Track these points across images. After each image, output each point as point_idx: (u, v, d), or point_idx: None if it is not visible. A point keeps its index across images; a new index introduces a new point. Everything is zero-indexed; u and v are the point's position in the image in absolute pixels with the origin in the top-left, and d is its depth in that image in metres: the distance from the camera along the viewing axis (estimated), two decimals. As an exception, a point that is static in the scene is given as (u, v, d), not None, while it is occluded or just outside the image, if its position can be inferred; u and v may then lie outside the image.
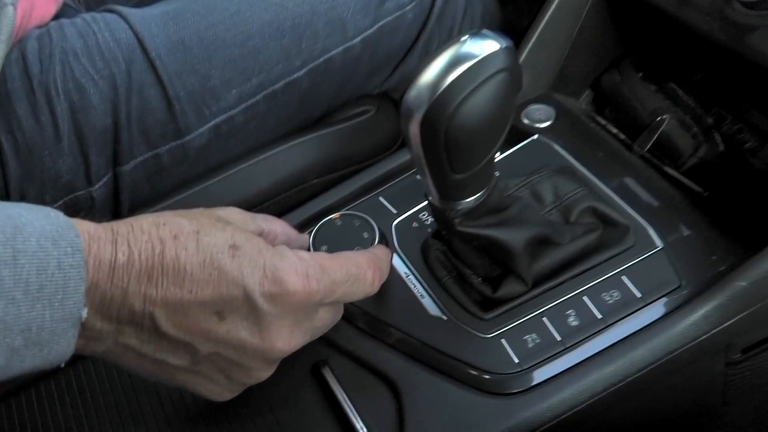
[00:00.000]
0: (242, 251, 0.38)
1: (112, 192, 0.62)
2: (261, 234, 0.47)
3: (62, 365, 0.35)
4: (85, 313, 0.33)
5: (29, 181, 0.57)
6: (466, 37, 0.39)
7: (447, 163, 0.41)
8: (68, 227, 0.33)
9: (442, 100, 0.38)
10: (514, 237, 0.48)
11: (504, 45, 0.38)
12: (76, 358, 0.48)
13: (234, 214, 0.45)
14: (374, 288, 0.46)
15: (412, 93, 0.40)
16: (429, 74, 0.38)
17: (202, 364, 0.39)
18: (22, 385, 0.56)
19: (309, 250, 0.53)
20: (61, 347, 0.33)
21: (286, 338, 0.40)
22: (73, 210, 0.60)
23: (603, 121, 0.73)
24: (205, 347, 0.38)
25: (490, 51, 0.38)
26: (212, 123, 0.63)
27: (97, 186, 0.61)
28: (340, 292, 0.43)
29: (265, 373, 0.42)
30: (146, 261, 0.35)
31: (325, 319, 0.45)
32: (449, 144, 0.39)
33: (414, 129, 0.40)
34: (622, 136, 0.70)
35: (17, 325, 0.31)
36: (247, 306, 0.38)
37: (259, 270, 0.38)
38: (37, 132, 0.57)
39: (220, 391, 0.43)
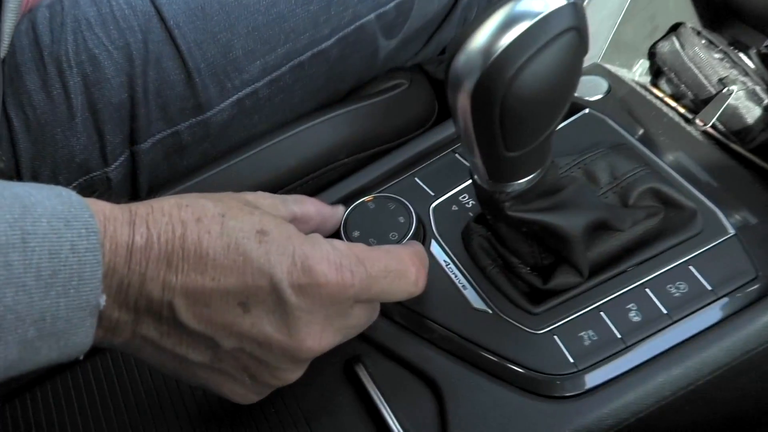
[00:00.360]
0: (270, 237, 0.35)
1: (130, 172, 0.59)
2: (294, 219, 0.43)
3: (80, 357, 0.33)
4: (103, 300, 0.31)
5: (41, 161, 0.54)
6: (528, -10, 0.33)
7: (501, 140, 0.36)
8: (82, 207, 0.31)
9: (498, 66, 0.32)
10: (570, 222, 0.43)
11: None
12: (94, 351, 0.46)
13: (263, 198, 0.41)
14: (418, 288, 0.41)
15: (461, 58, 0.34)
16: (482, 36, 0.33)
17: (224, 361, 0.36)
18: (36, 380, 0.53)
19: (341, 231, 0.49)
20: (79, 338, 0.31)
21: (316, 336, 0.37)
22: (88, 192, 0.55)
23: (660, 94, 0.66)
24: (227, 342, 0.35)
25: (555, 6, 0.32)
26: (235, 97, 0.59)
27: (113, 166, 0.57)
28: (378, 289, 0.39)
29: (293, 374, 0.39)
30: (166, 244, 0.33)
31: (360, 318, 0.41)
32: (505, 117, 0.34)
33: (463, 100, 0.35)
34: (682, 110, 0.64)
35: (30, 315, 0.28)
36: (274, 297, 0.35)
37: (287, 258, 0.35)
38: (49, 108, 0.53)
39: (244, 393, 0.39)
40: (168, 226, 0.33)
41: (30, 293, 0.28)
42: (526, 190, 0.42)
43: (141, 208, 0.34)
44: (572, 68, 0.34)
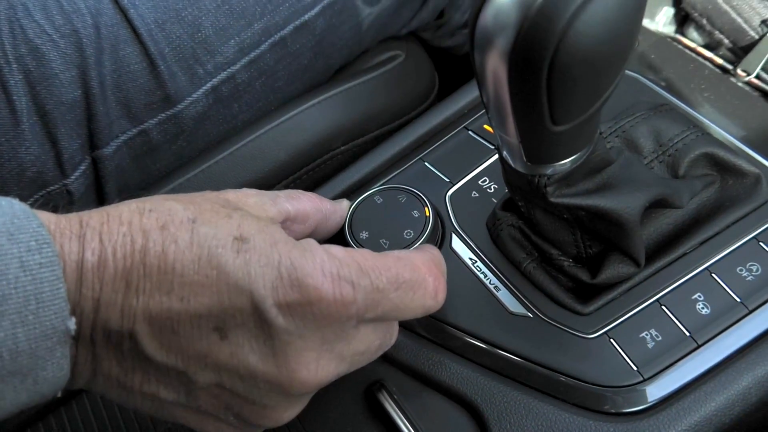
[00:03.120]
0: (251, 245, 0.30)
1: (93, 182, 0.52)
2: (287, 219, 0.37)
3: (58, 395, 0.29)
4: (73, 324, 0.27)
5: (-15, 178, 0.46)
6: None
7: (547, 111, 0.28)
8: (28, 216, 0.27)
9: (545, 16, 0.25)
10: (626, 204, 0.37)
11: None
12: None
13: (248, 196, 0.35)
14: (437, 301, 0.35)
15: (490, 11, 0.27)
16: (517, -24, 0.25)
17: (201, 399, 0.31)
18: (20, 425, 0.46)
19: (346, 234, 0.43)
20: (50, 372, 0.27)
21: (311, 365, 0.31)
22: (47, 210, 0.48)
23: (690, 44, 0.59)
24: (202, 376, 0.30)
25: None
26: (209, 85, 0.53)
27: (73, 177, 0.50)
28: (388, 305, 0.32)
29: (286, 413, 0.33)
30: (123, 260, 0.28)
31: (370, 342, 0.34)
32: (555, 81, 0.27)
33: (495, 65, 0.28)
34: (719, 60, 0.57)
35: None
36: (256, 319, 0.29)
37: (272, 270, 0.29)
38: (-12, 114, 0.45)
39: None
40: (126, 238, 0.28)
41: None
42: (571, 171, 0.34)
43: (94, 216, 0.29)
44: (638, 8, 0.26)
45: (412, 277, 0.33)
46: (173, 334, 0.29)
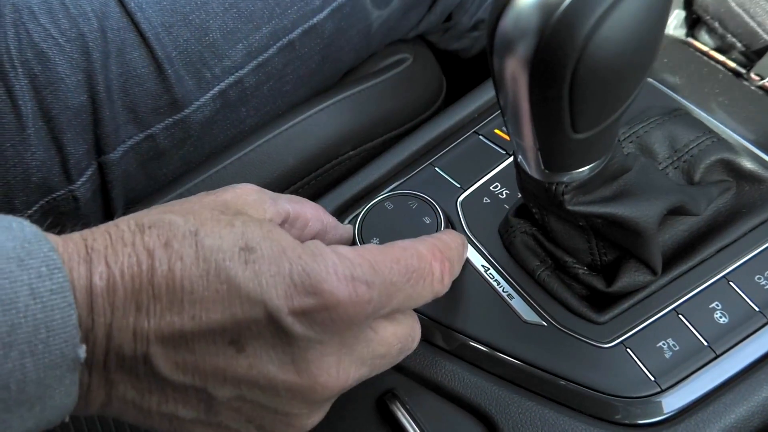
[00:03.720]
0: (258, 254, 0.29)
1: (100, 188, 0.51)
2: (286, 220, 0.36)
3: (66, 419, 0.28)
4: (83, 352, 0.26)
5: (-10, 184, 0.45)
6: None
7: (568, 118, 0.28)
8: (39, 239, 0.26)
9: (567, 22, 0.24)
10: (645, 212, 0.36)
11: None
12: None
13: (247, 194, 0.34)
14: (444, 285, 0.34)
15: (511, 15, 0.26)
16: (540, -18, 0.24)
17: (222, 414, 0.30)
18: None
19: (356, 240, 0.42)
20: (58, 400, 0.26)
21: (332, 370, 0.30)
22: (53, 216, 0.48)
23: (702, 47, 0.58)
24: (222, 392, 0.29)
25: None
26: (216, 89, 0.52)
27: (79, 182, 0.49)
28: (401, 296, 0.32)
29: (309, 420, 0.32)
30: (131, 282, 0.27)
31: (390, 345, 0.33)
32: (578, 89, 0.26)
33: (516, 71, 0.27)
34: (732, 64, 0.56)
35: None
36: (272, 329, 0.29)
37: (283, 278, 0.29)
38: (-7, 119, 0.44)
39: None
40: (131, 259, 0.27)
41: None
42: (588, 178, 0.34)
43: (98, 239, 0.28)
44: (664, 12, 0.26)
45: (420, 265, 0.33)
46: (189, 352, 0.28)
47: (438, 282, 0.34)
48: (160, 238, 0.28)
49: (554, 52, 0.25)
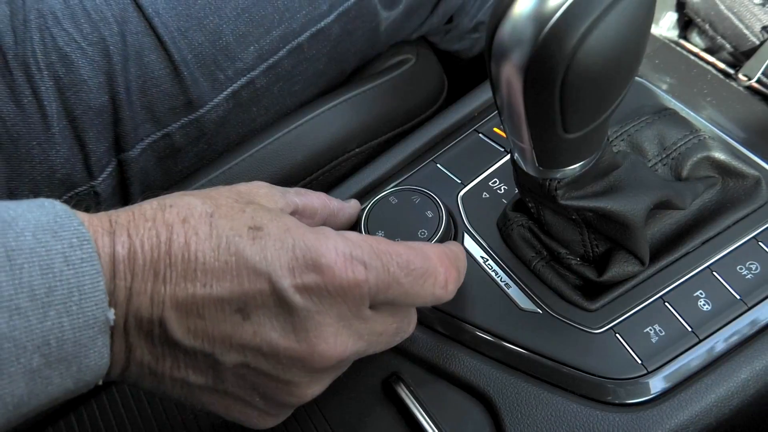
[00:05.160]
0: (265, 232, 0.31)
1: (119, 183, 0.53)
2: (295, 211, 0.39)
3: (99, 383, 0.30)
4: (112, 314, 0.29)
5: (18, 179, 0.48)
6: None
7: (559, 120, 0.30)
8: (69, 216, 0.28)
9: (557, 34, 0.27)
10: (632, 206, 0.38)
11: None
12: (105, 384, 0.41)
13: (259, 188, 0.37)
14: (448, 292, 0.36)
15: (507, 26, 0.28)
16: (533, -4, 0.27)
17: (228, 381, 0.32)
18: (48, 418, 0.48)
19: (362, 233, 0.44)
20: (93, 360, 0.28)
21: (330, 339, 0.32)
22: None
23: (693, 48, 0.60)
24: (228, 357, 0.31)
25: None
26: (229, 90, 0.54)
27: (100, 178, 0.51)
28: (399, 290, 0.34)
29: (309, 389, 0.34)
30: (150, 252, 0.30)
31: (387, 325, 0.35)
32: (567, 94, 0.28)
33: (511, 77, 0.29)
34: (721, 65, 0.58)
35: (31, 341, 0.26)
36: (275, 299, 0.31)
37: (286, 252, 0.31)
38: (20, 119, 0.47)
39: (258, 416, 0.34)
40: (151, 232, 0.30)
41: (26, 316, 0.26)
42: (580, 174, 0.36)
43: (122, 215, 0.30)
44: (647, 25, 0.28)
45: (423, 265, 0.34)
46: (199, 318, 0.30)
47: (441, 287, 0.35)
48: (179, 215, 0.30)
49: (546, 60, 0.28)
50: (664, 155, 0.47)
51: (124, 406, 0.47)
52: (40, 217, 0.27)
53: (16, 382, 0.26)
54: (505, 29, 0.28)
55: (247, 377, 0.32)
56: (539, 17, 0.27)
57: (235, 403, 0.34)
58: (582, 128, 0.31)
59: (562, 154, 0.34)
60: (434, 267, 0.35)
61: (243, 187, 0.36)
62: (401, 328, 0.37)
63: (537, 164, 0.35)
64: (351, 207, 0.45)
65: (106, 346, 0.29)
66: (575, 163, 0.35)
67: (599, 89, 0.29)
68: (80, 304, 0.27)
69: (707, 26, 0.60)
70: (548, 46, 0.27)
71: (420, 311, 0.44)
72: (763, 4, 0.57)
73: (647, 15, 0.28)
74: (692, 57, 0.58)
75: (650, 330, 0.40)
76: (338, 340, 0.32)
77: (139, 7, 0.49)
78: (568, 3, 0.26)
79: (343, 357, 0.33)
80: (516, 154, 0.37)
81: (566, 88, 0.28)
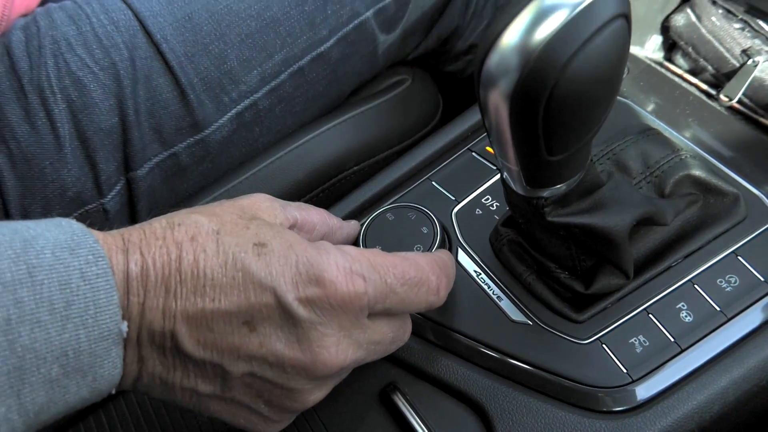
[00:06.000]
0: (269, 248, 0.33)
1: (127, 201, 0.55)
2: (294, 225, 0.40)
3: (113, 392, 0.32)
4: (125, 327, 0.30)
5: (31, 198, 0.50)
6: (562, -24, 0.29)
7: (543, 144, 0.32)
8: (85, 234, 0.30)
9: (541, 64, 0.29)
10: (615, 222, 0.40)
11: (616, -18, 0.29)
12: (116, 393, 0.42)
13: (261, 201, 0.38)
14: (440, 298, 0.39)
15: (494, 57, 0.30)
16: (518, 29, 0.29)
17: (235, 389, 0.34)
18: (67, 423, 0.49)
19: (359, 244, 0.46)
20: (107, 370, 0.30)
21: (332, 349, 0.34)
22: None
23: (677, 70, 0.63)
24: (236, 367, 0.33)
25: (600, -8, 0.28)
26: (233, 111, 0.56)
27: (109, 196, 0.53)
28: (396, 298, 0.36)
29: (312, 396, 0.36)
30: (162, 269, 0.31)
31: (384, 333, 0.37)
32: (550, 120, 0.31)
33: (499, 103, 0.32)
34: (704, 86, 0.60)
35: (50, 352, 0.27)
36: (280, 312, 0.32)
37: (290, 268, 0.33)
38: (34, 139, 0.49)
39: (263, 422, 0.36)
40: (162, 250, 0.31)
41: (46, 329, 0.27)
42: (566, 193, 0.38)
43: (134, 233, 0.32)
44: (622, 58, 0.30)
45: (417, 275, 0.36)
46: (208, 330, 0.32)
47: (433, 293, 0.38)
48: (188, 233, 0.32)
49: (530, 88, 0.30)
50: (647, 173, 0.49)
51: (131, 414, 0.48)
52: (58, 235, 0.29)
53: (36, 390, 0.27)
54: (493, 59, 0.31)
55: (253, 385, 0.34)
56: (524, 50, 0.29)
57: (240, 410, 0.35)
58: (565, 151, 0.33)
59: (548, 175, 0.36)
60: (427, 276, 0.37)
61: (245, 202, 0.37)
62: (397, 335, 0.39)
63: (524, 184, 0.37)
64: (350, 227, 0.46)
65: (120, 357, 0.30)
66: (561, 183, 0.37)
67: (579, 116, 0.31)
68: (96, 317, 0.29)
69: (690, 49, 0.63)
70: (532, 76, 0.29)
71: (416, 323, 0.46)
72: (742, 29, 0.60)
73: (622, 49, 0.30)
74: (676, 78, 0.60)
75: (635, 341, 0.42)
76: (339, 350, 0.34)
77: (148, 34, 0.51)
78: (550, 38, 0.29)
79: (344, 365, 0.34)
80: (505, 174, 0.39)
81: (549, 114, 0.30)
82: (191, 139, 0.54)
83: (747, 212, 0.46)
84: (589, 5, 0.28)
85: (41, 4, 0.57)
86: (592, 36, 0.28)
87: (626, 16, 0.29)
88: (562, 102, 0.30)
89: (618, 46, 0.29)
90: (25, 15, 0.54)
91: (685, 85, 0.60)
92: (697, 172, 0.47)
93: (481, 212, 0.51)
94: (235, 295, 0.32)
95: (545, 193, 0.38)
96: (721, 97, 0.58)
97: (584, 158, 0.37)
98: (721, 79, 0.60)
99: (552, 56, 0.29)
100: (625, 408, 0.40)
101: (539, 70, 0.29)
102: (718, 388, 0.40)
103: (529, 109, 0.30)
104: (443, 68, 0.75)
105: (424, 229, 0.47)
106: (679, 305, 0.43)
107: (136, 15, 0.51)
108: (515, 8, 0.30)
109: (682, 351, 0.41)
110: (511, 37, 0.30)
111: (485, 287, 0.47)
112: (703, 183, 0.47)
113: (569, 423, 0.40)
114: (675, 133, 0.52)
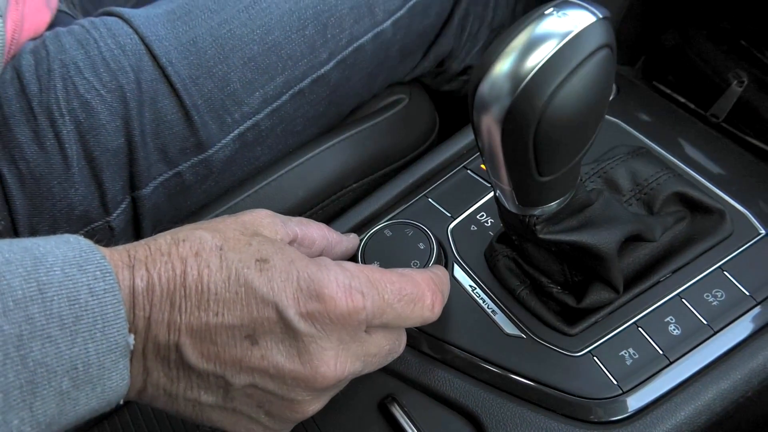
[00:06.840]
0: (271, 264, 0.34)
1: (132, 219, 0.56)
2: (295, 240, 0.41)
3: (121, 402, 0.33)
4: (132, 340, 0.31)
5: (39, 216, 0.51)
6: (550, 8, 0.31)
7: (534, 165, 0.34)
8: (92, 250, 0.31)
9: (529, 92, 0.31)
10: (604, 239, 0.42)
11: (601, 15, 0.31)
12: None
13: (262, 217, 0.39)
14: (434, 313, 0.40)
15: (487, 84, 0.32)
16: (509, 58, 0.31)
17: (237, 400, 0.35)
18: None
19: (358, 259, 0.47)
20: (115, 382, 0.31)
21: (331, 362, 0.35)
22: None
23: (667, 90, 0.65)
24: (238, 379, 0.34)
25: (586, 24, 0.30)
26: (236, 132, 0.57)
27: (115, 214, 0.54)
28: (393, 314, 0.37)
29: (311, 407, 0.37)
30: (167, 284, 0.32)
31: (380, 346, 0.39)
32: (540, 143, 0.32)
33: (491, 127, 0.33)
34: (692, 106, 0.62)
35: (61, 366, 0.28)
36: (282, 326, 0.33)
37: (291, 283, 0.34)
38: (43, 160, 0.50)
39: (262, 431, 0.37)
40: (167, 265, 0.32)
41: (57, 343, 0.28)
42: (557, 211, 0.40)
43: (139, 249, 0.33)
44: (607, 85, 0.32)
45: (413, 291, 0.38)
46: (212, 343, 0.33)
47: (429, 309, 0.39)
48: (192, 249, 0.33)
49: (520, 113, 0.31)
50: (637, 191, 0.50)
51: (134, 423, 0.50)
52: (66, 252, 0.30)
53: (48, 403, 0.28)
54: (486, 85, 0.32)
55: (254, 396, 0.35)
56: (515, 77, 0.31)
57: (241, 420, 0.36)
58: (554, 172, 0.35)
59: (539, 194, 0.37)
60: (422, 292, 0.38)
61: (247, 217, 0.39)
62: (393, 348, 0.40)
63: (517, 202, 0.39)
64: (349, 241, 0.47)
65: (127, 368, 0.31)
66: (552, 202, 0.39)
67: (567, 139, 0.33)
68: (104, 331, 0.29)
69: (678, 69, 0.65)
70: (522, 101, 0.31)
71: (414, 336, 0.48)
72: (726, 51, 0.62)
73: (607, 77, 0.32)
74: (665, 98, 0.62)
75: (625, 353, 0.43)
76: (338, 363, 0.35)
77: (154, 57, 0.53)
78: (540, 66, 0.30)
79: (342, 377, 0.36)
80: (498, 192, 0.41)
81: (538, 137, 0.32)
82: (195, 158, 0.56)
83: (733, 229, 0.47)
84: (576, 36, 0.30)
85: (49, 28, 0.58)
86: (579, 65, 0.30)
87: (611, 46, 0.31)
88: (551, 126, 0.31)
89: (603, 74, 0.31)
90: (34, 38, 0.56)
91: (674, 106, 0.61)
92: (685, 190, 0.49)
93: (476, 228, 0.53)
94: (238, 310, 0.33)
95: (537, 212, 0.39)
96: (709, 116, 0.60)
97: (574, 178, 0.38)
98: (708, 99, 0.61)
99: (541, 83, 0.30)
100: (615, 419, 0.42)
101: (529, 97, 0.31)
102: (706, 399, 0.41)
103: (520, 132, 0.32)
104: (439, 88, 0.76)
105: (421, 245, 0.48)
106: (668, 319, 0.44)
107: (142, 39, 0.53)
108: (508, 37, 0.32)
109: (671, 363, 0.42)
110: (503, 64, 0.31)
111: (480, 301, 0.48)
112: (691, 200, 0.48)
113: (562, 433, 0.41)
114: (664, 151, 0.54)
